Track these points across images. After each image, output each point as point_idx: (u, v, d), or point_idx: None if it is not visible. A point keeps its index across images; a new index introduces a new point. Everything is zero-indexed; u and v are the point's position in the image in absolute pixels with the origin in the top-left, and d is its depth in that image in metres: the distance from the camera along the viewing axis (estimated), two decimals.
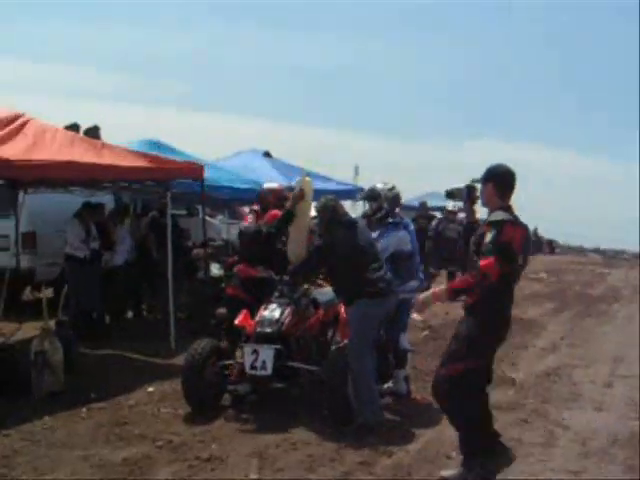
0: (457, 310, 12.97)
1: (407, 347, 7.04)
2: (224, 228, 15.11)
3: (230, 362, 6.21)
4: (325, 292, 6.80)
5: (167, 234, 8.80)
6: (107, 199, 12.17)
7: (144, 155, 8.45)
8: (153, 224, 10.40)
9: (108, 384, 7.01)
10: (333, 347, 6.65)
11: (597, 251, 44.72)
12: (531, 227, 24.81)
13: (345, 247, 5.89)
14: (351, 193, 13.59)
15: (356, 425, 5.65)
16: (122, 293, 10.43)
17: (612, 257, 40.39)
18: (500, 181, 4.67)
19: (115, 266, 10.20)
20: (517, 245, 4.49)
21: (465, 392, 4.57)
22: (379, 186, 6.82)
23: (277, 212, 7.15)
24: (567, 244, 45.71)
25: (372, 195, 6.79)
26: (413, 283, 6.79)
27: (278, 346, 5.87)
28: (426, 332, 10.50)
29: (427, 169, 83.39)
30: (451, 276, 14.43)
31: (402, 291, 6.45)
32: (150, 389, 6.95)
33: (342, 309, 6.46)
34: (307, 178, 6.96)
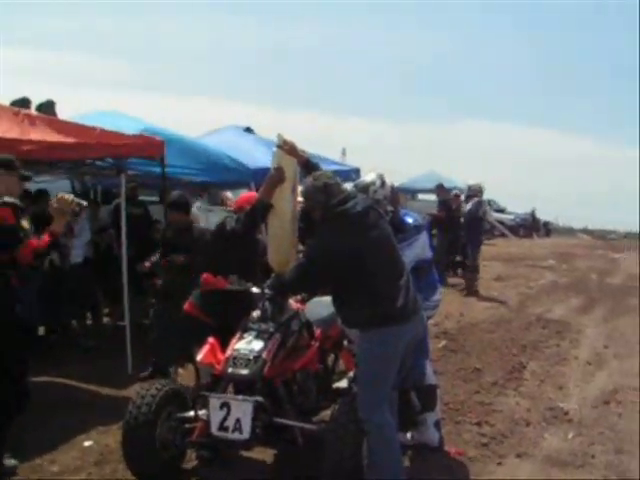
0: (472, 312, 11.42)
1: (434, 381, 5.22)
2: (203, 216, 13.19)
3: (191, 414, 4.31)
4: (319, 303, 4.94)
5: (121, 225, 7.16)
6: (62, 185, 10.51)
7: (87, 129, 6.60)
8: (117, 214, 8.47)
9: (33, 432, 5.17)
10: (339, 384, 4.82)
11: (586, 231, 44.55)
12: (528, 209, 23.13)
13: (348, 250, 3.90)
14: (347, 175, 11.35)
15: None
16: (74, 298, 8.48)
17: (601, 237, 39.58)
18: None
19: (70, 265, 8.33)
20: None
21: None
22: (367, 180, 4.81)
23: (251, 194, 5.35)
24: (558, 224, 45.00)
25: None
26: (437, 297, 5.12)
27: (259, 398, 3.97)
28: (444, 342, 8.66)
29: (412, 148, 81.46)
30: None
31: (426, 308, 4.68)
32: (87, 443, 5.10)
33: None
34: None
